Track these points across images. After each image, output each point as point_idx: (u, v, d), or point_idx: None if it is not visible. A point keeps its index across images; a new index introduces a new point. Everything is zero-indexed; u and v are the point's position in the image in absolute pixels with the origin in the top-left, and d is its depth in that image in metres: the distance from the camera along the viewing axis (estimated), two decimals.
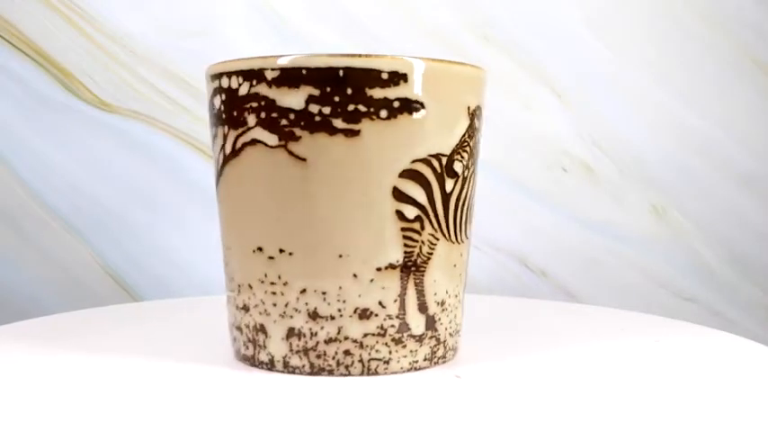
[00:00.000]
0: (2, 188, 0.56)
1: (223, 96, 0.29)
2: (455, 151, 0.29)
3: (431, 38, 0.59)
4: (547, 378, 0.29)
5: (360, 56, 0.27)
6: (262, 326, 0.29)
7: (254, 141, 0.28)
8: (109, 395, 0.27)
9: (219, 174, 0.30)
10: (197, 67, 0.57)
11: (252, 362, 0.30)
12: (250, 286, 0.29)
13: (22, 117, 0.56)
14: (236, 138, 0.28)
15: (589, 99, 0.60)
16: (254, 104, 0.28)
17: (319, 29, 0.58)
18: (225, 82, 0.28)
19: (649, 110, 0.61)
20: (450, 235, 0.30)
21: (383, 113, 0.28)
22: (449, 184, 0.29)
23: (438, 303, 0.30)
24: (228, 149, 0.29)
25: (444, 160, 0.29)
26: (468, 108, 0.30)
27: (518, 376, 0.29)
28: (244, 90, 0.28)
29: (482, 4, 0.59)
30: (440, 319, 0.30)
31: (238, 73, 0.28)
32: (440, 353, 0.30)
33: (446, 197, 0.29)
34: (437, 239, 0.29)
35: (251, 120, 0.28)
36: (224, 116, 0.29)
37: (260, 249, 0.29)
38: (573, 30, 0.60)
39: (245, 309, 0.30)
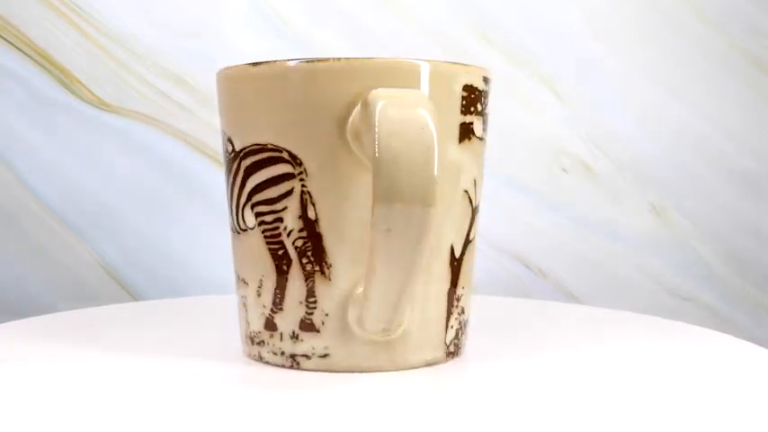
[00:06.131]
0: (2, 188, 0.56)
1: None
2: None
3: (430, 38, 0.59)
4: (546, 378, 0.29)
5: None
6: None
7: None
8: (109, 393, 0.27)
9: None
10: (197, 67, 0.57)
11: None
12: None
13: (22, 117, 0.56)
14: None
15: (589, 99, 0.60)
16: None
17: (320, 30, 0.58)
18: None
19: (649, 110, 0.61)
20: None
21: None
22: None
23: None
24: None
25: None
26: None
27: (517, 377, 0.29)
28: None
29: (482, 5, 0.59)
30: None
31: None
32: None
33: None
34: None
35: None
36: None
37: None
38: (573, 30, 0.60)
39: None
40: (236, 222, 0.31)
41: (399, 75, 0.29)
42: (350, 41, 0.58)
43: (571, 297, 0.61)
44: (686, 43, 0.61)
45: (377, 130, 0.26)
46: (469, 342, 0.33)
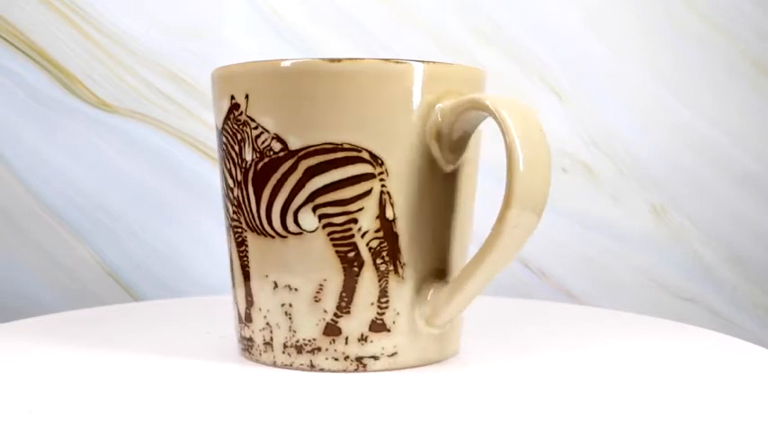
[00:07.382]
0: (2, 188, 0.56)
1: None
2: None
3: (431, 38, 0.59)
4: (546, 380, 0.29)
5: None
6: None
7: None
8: (109, 394, 0.27)
9: None
10: (197, 67, 0.57)
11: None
12: None
13: (22, 117, 0.56)
14: None
15: (589, 99, 0.60)
16: None
17: (320, 30, 0.58)
18: None
19: (649, 110, 0.61)
20: None
21: None
22: None
23: None
24: None
25: None
26: None
27: (517, 378, 0.30)
28: None
29: (482, 5, 0.59)
30: None
31: None
32: None
33: None
34: None
35: None
36: None
37: None
38: (573, 30, 0.60)
39: None
40: (278, 226, 0.29)
41: (470, 80, 0.31)
42: (349, 41, 0.58)
43: (571, 297, 0.61)
44: (687, 43, 0.61)
45: (512, 139, 0.27)
46: (470, 342, 0.33)
